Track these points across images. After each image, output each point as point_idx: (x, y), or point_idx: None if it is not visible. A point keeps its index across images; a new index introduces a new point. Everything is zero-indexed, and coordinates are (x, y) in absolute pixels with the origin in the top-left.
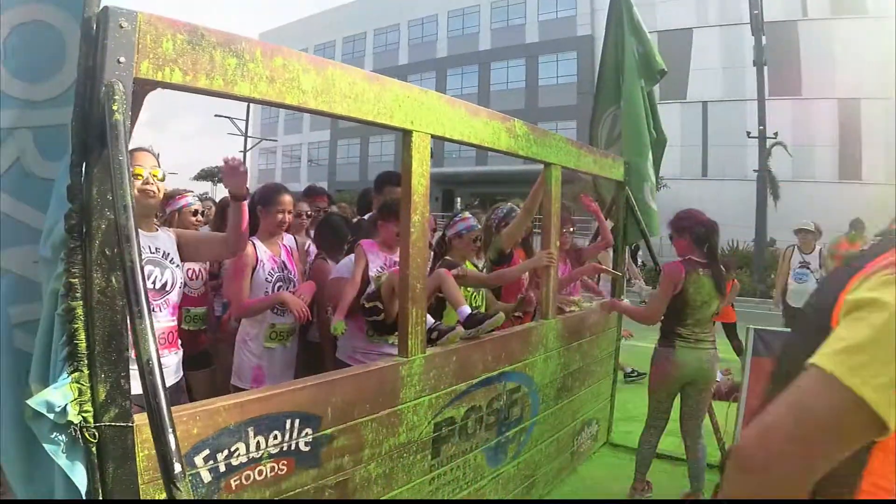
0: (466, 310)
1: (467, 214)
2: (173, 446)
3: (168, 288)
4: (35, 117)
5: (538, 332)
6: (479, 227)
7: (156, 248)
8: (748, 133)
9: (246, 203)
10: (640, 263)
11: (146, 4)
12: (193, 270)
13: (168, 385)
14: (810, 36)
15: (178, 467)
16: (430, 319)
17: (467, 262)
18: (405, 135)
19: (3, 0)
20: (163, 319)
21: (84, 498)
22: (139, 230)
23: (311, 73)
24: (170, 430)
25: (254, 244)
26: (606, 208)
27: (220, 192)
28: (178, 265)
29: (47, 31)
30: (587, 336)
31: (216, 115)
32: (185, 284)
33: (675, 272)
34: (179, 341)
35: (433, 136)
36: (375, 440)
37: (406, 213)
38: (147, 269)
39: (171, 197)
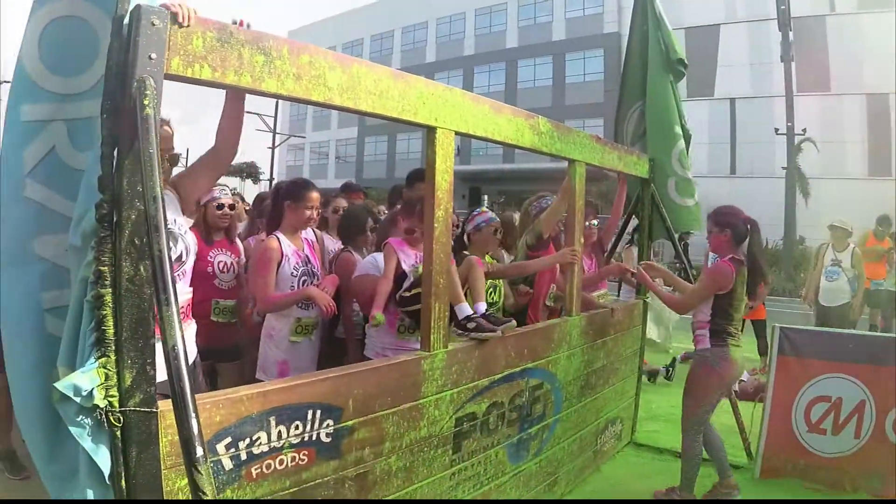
0: (482, 307)
1: (485, 209)
2: (196, 430)
3: (183, 258)
4: (69, 110)
5: (562, 328)
6: (497, 219)
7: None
8: (776, 130)
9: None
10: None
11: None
12: (225, 263)
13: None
14: (838, 30)
15: (199, 451)
16: (466, 308)
17: (486, 257)
18: (429, 131)
19: None
20: (181, 291)
21: (107, 480)
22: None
23: (336, 70)
24: (193, 414)
25: (278, 238)
26: (632, 205)
27: (249, 188)
28: (186, 231)
29: (81, 26)
30: (612, 334)
31: (245, 112)
32: (216, 276)
33: (727, 273)
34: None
35: (457, 133)
36: (396, 433)
37: (430, 209)
38: None
39: None
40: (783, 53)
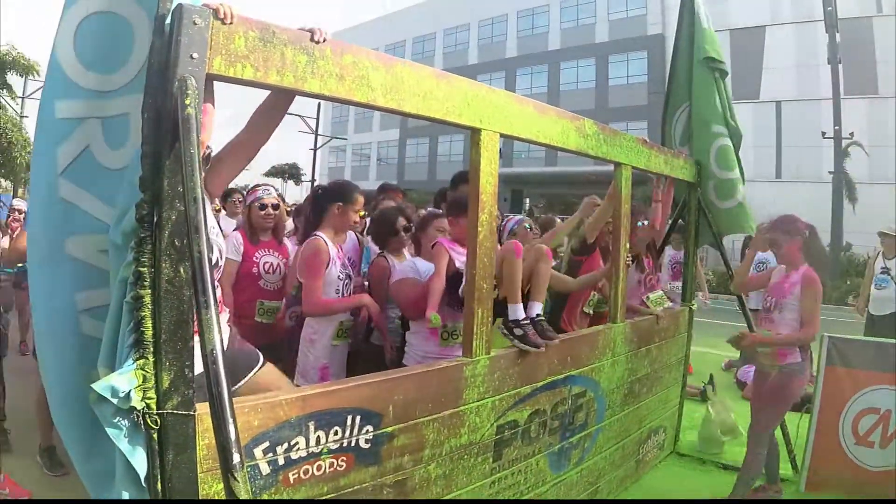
0: (538, 308)
1: (510, 215)
2: (233, 436)
3: (219, 264)
4: (104, 107)
5: (606, 335)
6: (525, 217)
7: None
8: (823, 133)
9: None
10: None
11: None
12: (270, 264)
13: None
14: (885, 32)
15: (236, 457)
16: (519, 311)
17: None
18: (474, 133)
19: None
20: None
21: (143, 482)
22: None
23: (380, 70)
24: (230, 419)
25: (325, 240)
26: (678, 210)
27: (291, 189)
28: (218, 234)
29: (117, 21)
30: (656, 341)
31: (287, 113)
32: (261, 277)
33: (818, 282)
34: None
35: (502, 135)
36: (436, 440)
37: (474, 211)
38: None
39: (249, 190)
40: (830, 55)
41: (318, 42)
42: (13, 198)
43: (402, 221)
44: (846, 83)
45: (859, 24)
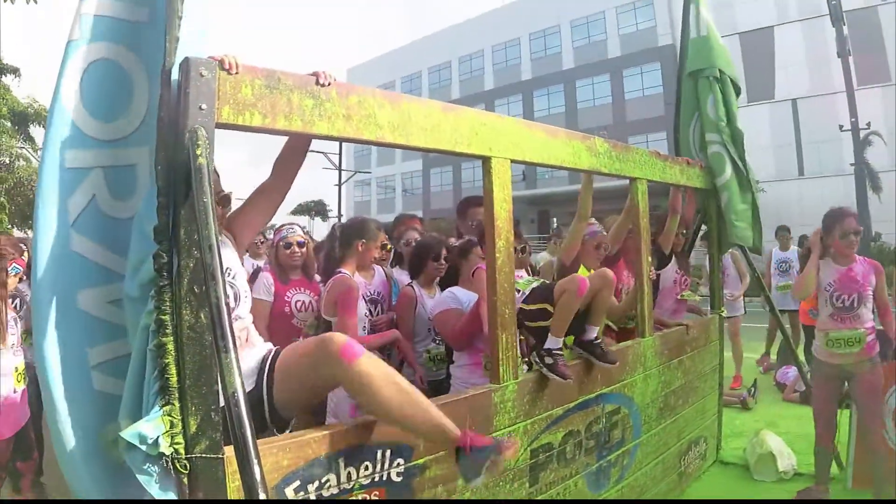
0: (593, 334)
1: (592, 220)
2: (258, 477)
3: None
4: (107, 156)
5: (635, 350)
6: (602, 233)
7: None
8: (840, 126)
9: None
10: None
11: (239, 47)
12: (303, 302)
13: None
14: (892, 19)
15: (262, 496)
16: (555, 342)
17: (581, 268)
18: (484, 161)
19: (79, 36)
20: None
21: None
22: None
23: (386, 108)
24: (255, 460)
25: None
26: (699, 217)
27: (318, 225)
28: (235, 276)
29: (117, 69)
30: (688, 351)
31: (309, 151)
32: (294, 316)
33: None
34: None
35: (513, 161)
36: None
37: (490, 238)
38: None
39: (275, 230)
40: (839, 49)
41: (323, 85)
42: None
43: (444, 251)
44: (858, 74)
45: (865, 14)
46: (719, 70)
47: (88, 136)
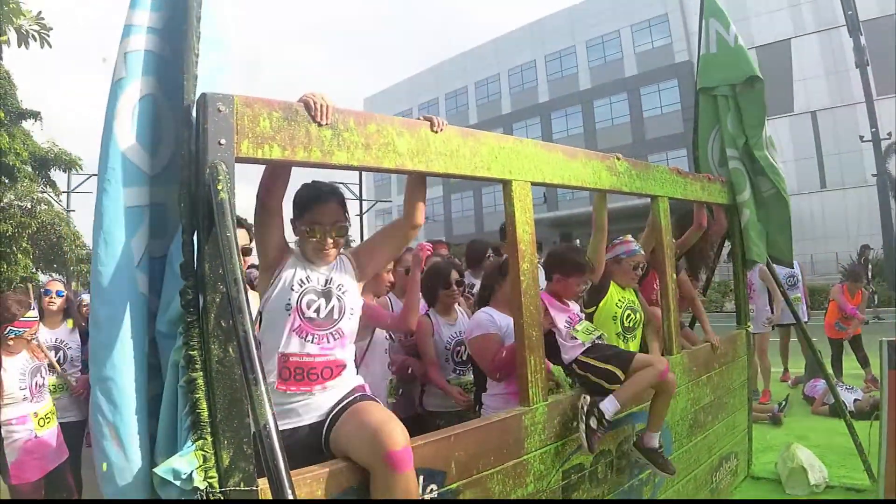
0: (656, 441)
1: (629, 238)
2: None
3: (336, 316)
4: (152, 193)
5: None
6: (640, 252)
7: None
8: (861, 137)
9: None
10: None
11: (256, 85)
12: None
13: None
14: None
15: None
16: (609, 406)
17: (612, 286)
18: (505, 185)
19: (126, 74)
20: (315, 350)
21: None
22: (310, 262)
23: (404, 135)
24: (289, 491)
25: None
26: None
27: None
28: (345, 292)
29: (156, 106)
30: (716, 368)
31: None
32: None
33: None
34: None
35: (533, 183)
36: (503, 492)
37: (514, 261)
38: (307, 297)
39: None
40: (857, 59)
41: (321, 124)
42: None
43: (454, 275)
44: (877, 84)
45: (882, 23)
46: (734, 85)
47: (143, 171)
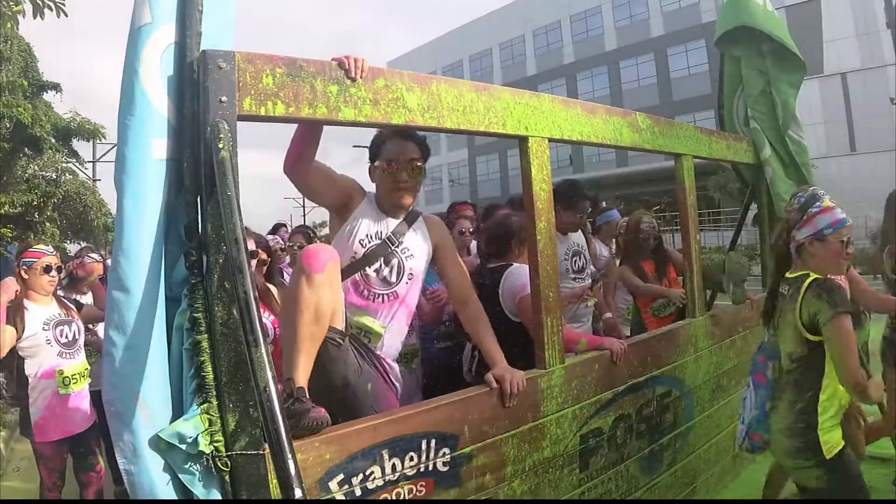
0: None
1: (828, 200)
2: (293, 472)
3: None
4: (172, 148)
5: (686, 331)
6: (849, 223)
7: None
8: (892, 99)
9: None
10: None
11: (275, 44)
12: None
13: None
14: None
15: (298, 493)
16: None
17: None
18: (521, 141)
19: (151, 19)
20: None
21: None
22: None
23: (415, 90)
24: (289, 454)
25: None
26: (748, 194)
27: None
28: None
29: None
30: (740, 331)
31: (354, 146)
32: None
33: None
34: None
35: (550, 140)
36: (518, 456)
37: (531, 221)
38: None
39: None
40: (888, 19)
41: (354, 79)
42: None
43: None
44: None
45: None
46: (761, 32)
47: (170, 122)
